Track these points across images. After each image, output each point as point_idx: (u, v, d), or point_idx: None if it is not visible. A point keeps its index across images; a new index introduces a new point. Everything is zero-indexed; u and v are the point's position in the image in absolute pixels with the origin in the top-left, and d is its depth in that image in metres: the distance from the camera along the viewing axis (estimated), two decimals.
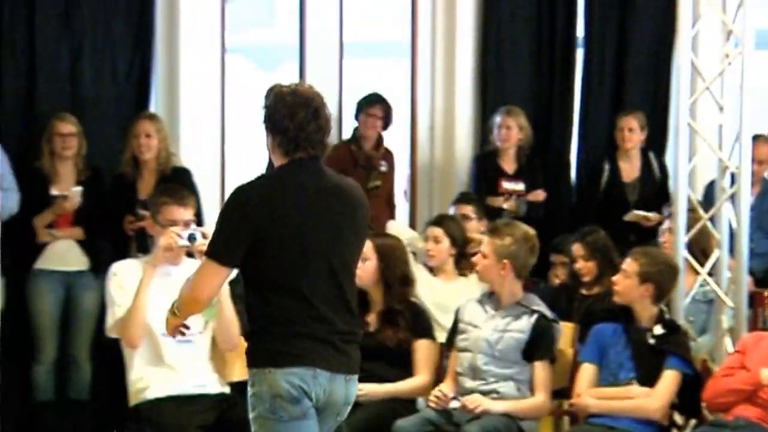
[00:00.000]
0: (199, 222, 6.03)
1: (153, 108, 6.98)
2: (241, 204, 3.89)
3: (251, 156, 7.32)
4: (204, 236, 5.02)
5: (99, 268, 6.30)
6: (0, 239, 6.16)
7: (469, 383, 5.31)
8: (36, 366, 6.57)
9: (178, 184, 5.93)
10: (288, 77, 7.64)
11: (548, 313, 5.36)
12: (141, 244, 6.16)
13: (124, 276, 5.22)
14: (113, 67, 6.94)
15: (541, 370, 5.29)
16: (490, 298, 5.44)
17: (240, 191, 3.94)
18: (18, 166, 6.43)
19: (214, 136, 7.18)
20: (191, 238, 5.05)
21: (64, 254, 6.51)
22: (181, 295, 4.07)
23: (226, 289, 5.14)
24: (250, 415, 3.97)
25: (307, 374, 3.90)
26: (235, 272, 4.14)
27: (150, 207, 5.34)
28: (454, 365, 5.43)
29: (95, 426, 6.65)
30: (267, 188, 3.95)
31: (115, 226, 6.49)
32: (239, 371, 5.26)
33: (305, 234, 3.89)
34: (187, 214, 5.23)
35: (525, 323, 5.30)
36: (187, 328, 4.27)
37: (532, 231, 5.43)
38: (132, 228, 6.34)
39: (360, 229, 4.08)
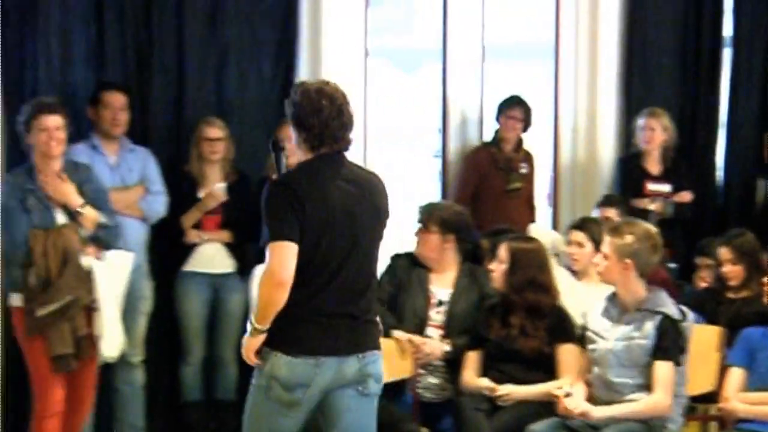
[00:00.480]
0: None
1: None
2: (284, 193, 4.14)
3: (392, 158, 7.32)
4: None
5: (245, 271, 6.35)
6: (149, 242, 6.39)
7: (604, 396, 5.20)
8: (184, 366, 6.65)
9: None
10: (429, 80, 7.71)
11: (674, 311, 5.19)
12: None
13: None
14: (259, 72, 6.95)
15: (659, 368, 5.08)
16: (614, 301, 5.30)
17: (280, 183, 4.21)
18: (166, 170, 6.50)
19: (356, 139, 6.96)
20: None
21: (211, 257, 6.57)
22: (261, 291, 4.16)
23: None
24: (252, 381, 4.28)
25: (308, 364, 4.13)
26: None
27: None
28: (584, 370, 5.35)
29: (241, 426, 6.61)
30: (298, 181, 4.19)
31: (261, 229, 6.45)
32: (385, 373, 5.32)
33: (327, 222, 4.12)
34: None
35: (649, 328, 5.14)
36: (264, 360, 4.23)
37: (654, 229, 5.30)
38: None
39: (378, 216, 4.29)
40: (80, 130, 5.97)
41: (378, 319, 4.39)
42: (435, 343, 5.70)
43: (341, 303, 4.19)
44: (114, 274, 5.60)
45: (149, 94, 6.69)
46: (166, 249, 6.55)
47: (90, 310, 5.51)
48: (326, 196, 4.15)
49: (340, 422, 4.30)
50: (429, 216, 5.82)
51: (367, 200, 4.25)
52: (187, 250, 6.54)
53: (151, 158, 6.44)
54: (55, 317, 5.43)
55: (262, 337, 4.21)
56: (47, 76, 6.38)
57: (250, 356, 4.28)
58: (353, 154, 6.73)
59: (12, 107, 6.20)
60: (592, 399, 5.21)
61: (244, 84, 6.95)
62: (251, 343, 4.24)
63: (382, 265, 5.12)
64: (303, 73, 7.01)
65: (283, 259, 4.09)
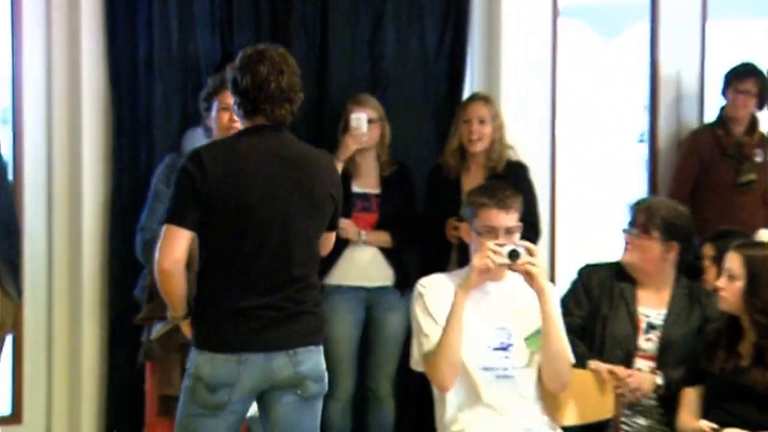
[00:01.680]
0: (533, 226, 6.02)
1: (468, 87, 6.92)
2: (189, 168, 4.47)
3: (586, 142, 7.18)
4: (529, 252, 5.00)
5: (405, 284, 6.33)
6: None
7: None
8: (331, 402, 6.46)
9: (508, 181, 5.80)
10: (634, 45, 7.79)
11: None
12: (463, 254, 5.97)
13: (432, 297, 5.17)
14: (421, 39, 6.90)
15: None
16: None
17: (192, 155, 4.53)
18: None
19: (542, 118, 7.10)
20: (512, 254, 4.99)
21: (364, 266, 6.49)
22: (158, 285, 4.59)
23: (556, 316, 5.17)
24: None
25: (231, 361, 4.47)
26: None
27: (466, 208, 5.27)
28: None
29: None
30: (215, 154, 4.51)
31: (430, 230, 6.44)
32: (573, 414, 5.45)
33: (241, 206, 4.46)
34: (509, 219, 5.14)
35: None
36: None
37: None
38: (455, 235, 6.19)
39: (311, 200, 4.59)
40: (198, 109, 5.93)
41: (316, 309, 4.67)
42: (644, 376, 5.58)
43: (264, 294, 4.51)
44: None
45: None
46: None
47: None
48: (242, 176, 4.47)
49: (279, 429, 4.65)
50: (649, 217, 5.66)
51: (298, 181, 4.55)
52: (332, 256, 6.26)
53: None
54: (162, 343, 5.41)
55: (180, 317, 4.63)
56: (163, 43, 6.38)
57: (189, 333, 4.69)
58: (537, 135, 7.11)
59: (120, 80, 6.36)
60: None
61: (403, 54, 6.90)
62: (184, 328, 4.68)
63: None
64: (476, 40, 6.95)
65: (167, 245, 4.44)
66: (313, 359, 4.63)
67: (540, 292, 5.06)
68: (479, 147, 6.44)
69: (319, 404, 4.73)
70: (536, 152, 7.00)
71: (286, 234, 4.52)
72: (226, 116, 5.46)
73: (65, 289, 6.41)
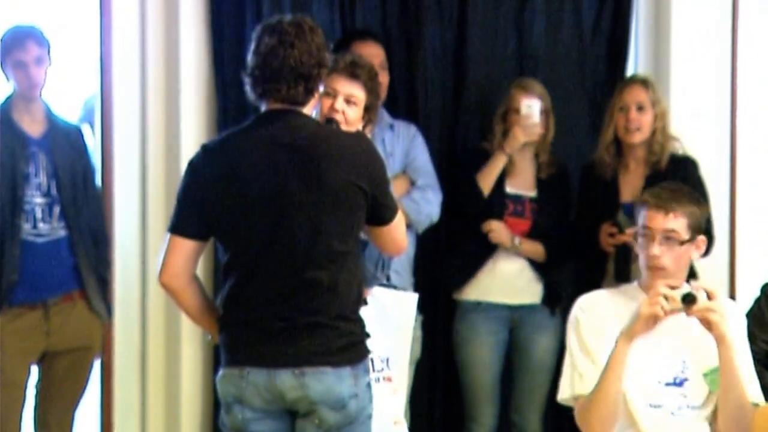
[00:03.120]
0: (708, 240, 5.75)
1: (631, 69, 6.79)
2: (188, 168, 4.54)
3: None
4: (709, 295, 4.76)
5: (557, 301, 6.31)
6: (415, 257, 6.22)
7: None
8: None
9: (675, 182, 5.51)
10: None
11: None
12: (621, 267, 6.00)
13: (591, 325, 4.94)
14: (575, 16, 6.82)
15: None
16: None
17: (194, 157, 4.56)
18: (440, 154, 6.42)
19: (720, 104, 6.83)
20: (687, 298, 4.75)
21: (511, 280, 6.38)
22: None
23: (737, 367, 4.86)
24: None
25: (234, 375, 4.50)
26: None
27: (635, 213, 5.01)
28: None
29: None
30: (212, 151, 4.53)
31: (584, 239, 6.29)
32: None
33: (243, 202, 4.44)
34: (668, 222, 4.89)
35: None
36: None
37: None
38: (612, 243, 6.08)
39: (333, 189, 4.44)
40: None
41: (338, 323, 4.52)
42: None
43: (272, 302, 4.47)
44: (388, 327, 5.39)
45: (418, 47, 6.64)
46: (441, 269, 6.46)
47: None
48: (238, 172, 4.45)
49: None
50: None
51: (302, 170, 4.44)
52: (471, 267, 6.35)
53: (420, 137, 6.30)
54: None
55: (204, 328, 4.78)
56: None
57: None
58: (714, 125, 6.90)
59: (224, 63, 6.46)
60: None
61: (554, 30, 6.83)
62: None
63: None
64: (642, 12, 6.84)
65: (165, 257, 4.52)
66: (326, 382, 4.48)
67: (720, 340, 4.82)
68: (638, 138, 6.27)
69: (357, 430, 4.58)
70: (713, 145, 6.79)
71: (290, 230, 4.43)
72: (328, 103, 5.28)
73: (161, 307, 6.42)
